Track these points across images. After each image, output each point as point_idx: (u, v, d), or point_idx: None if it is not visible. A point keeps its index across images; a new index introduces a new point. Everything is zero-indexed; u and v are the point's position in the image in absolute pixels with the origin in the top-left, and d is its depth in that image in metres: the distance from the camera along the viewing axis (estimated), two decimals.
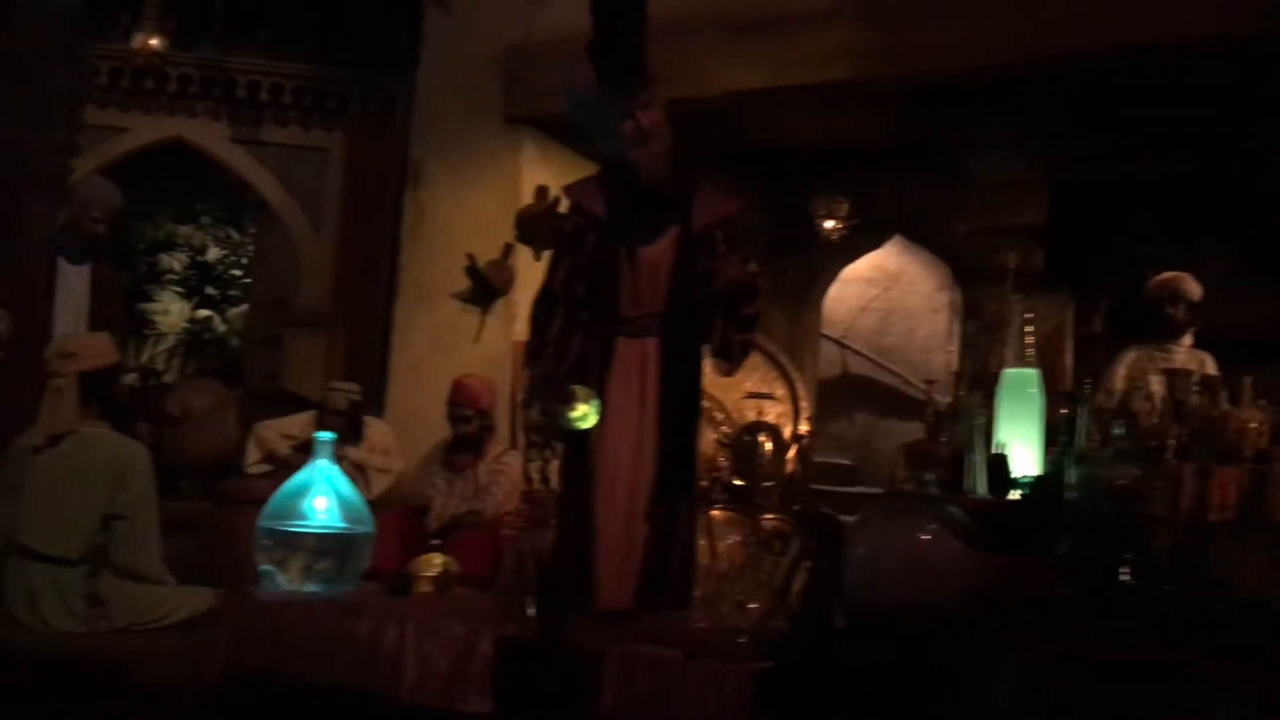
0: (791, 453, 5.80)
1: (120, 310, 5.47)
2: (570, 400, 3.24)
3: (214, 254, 10.14)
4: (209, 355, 9.63)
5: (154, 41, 7.00)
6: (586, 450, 3.41)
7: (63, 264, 5.16)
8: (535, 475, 5.64)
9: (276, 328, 8.63)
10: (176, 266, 9.95)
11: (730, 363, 3.42)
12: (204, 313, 9.99)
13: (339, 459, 5.25)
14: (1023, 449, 3.48)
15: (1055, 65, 4.74)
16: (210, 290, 10.08)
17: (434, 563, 3.35)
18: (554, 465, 5.68)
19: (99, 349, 3.80)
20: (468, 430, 5.11)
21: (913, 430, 6.38)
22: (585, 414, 3.26)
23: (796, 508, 5.54)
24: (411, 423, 5.80)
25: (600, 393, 3.34)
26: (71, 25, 5.35)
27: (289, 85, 7.70)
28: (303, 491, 3.24)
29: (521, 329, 5.85)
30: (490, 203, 5.89)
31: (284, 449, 5.42)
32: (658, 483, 3.38)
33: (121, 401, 4.63)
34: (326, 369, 7.84)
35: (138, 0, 6.97)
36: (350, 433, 5.35)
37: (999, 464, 3.43)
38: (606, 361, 3.40)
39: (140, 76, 7.45)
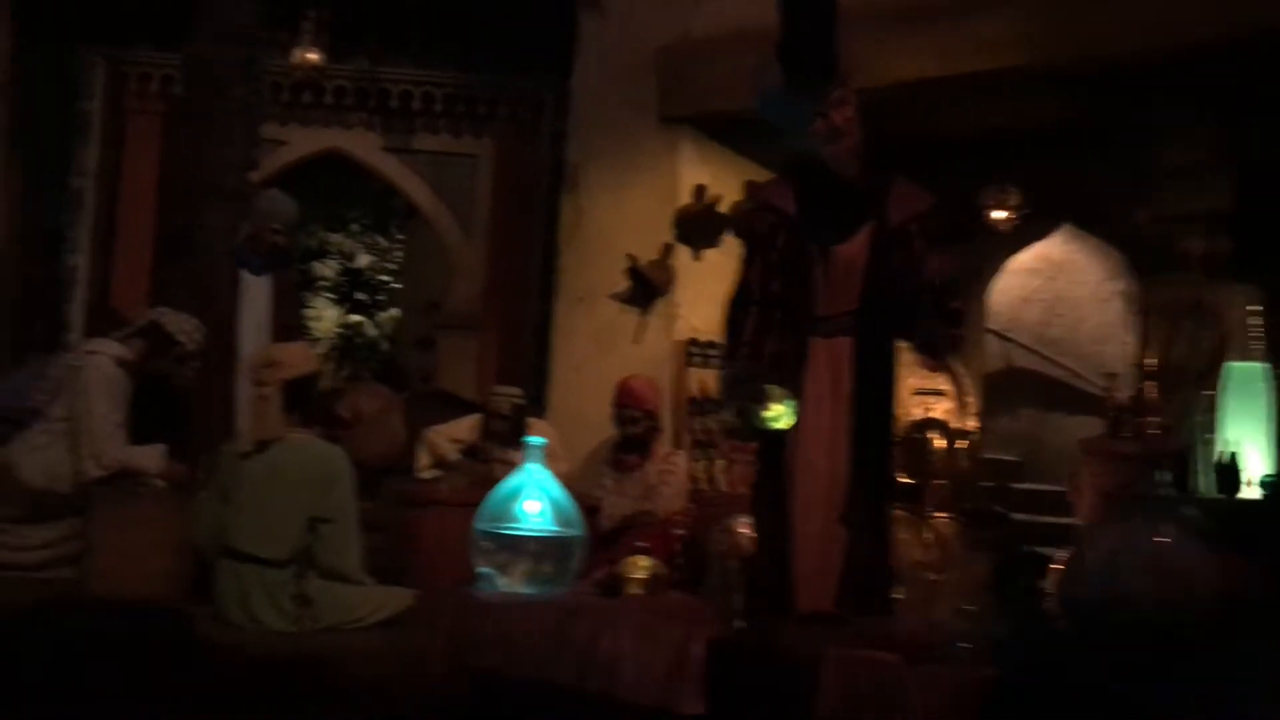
0: (959, 449, 5.67)
1: (301, 319, 5.69)
2: (766, 400, 3.22)
3: (363, 260, 10.43)
4: (360, 359, 9.91)
5: (312, 56, 7.25)
6: (781, 450, 3.38)
7: (245, 275, 5.38)
8: (701, 475, 5.67)
9: (428, 330, 8.85)
10: (328, 273, 10.27)
11: (938, 358, 3.37)
12: (355, 318, 10.28)
13: (504, 463, 5.41)
14: (1250, 446, 3.33)
15: (1240, 43, 4.52)
16: (360, 295, 10.37)
17: (642, 565, 3.38)
18: (719, 465, 5.73)
19: (301, 358, 3.94)
20: (635, 431, 5.14)
21: (1083, 425, 6.17)
22: (781, 413, 3.24)
23: (967, 506, 5.43)
24: (573, 423, 5.85)
25: (794, 393, 3.32)
26: (248, 44, 5.56)
27: (439, 94, 7.89)
28: (515, 495, 3.30)
29: (682, 328, 5.88)
30: (648, 203, 5.91)
31: (453, 454, 5.51)
32: (854, 483, 3.35)
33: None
34: (479, 370, 8.01)
35: (295, 17, 7.23)
36: (514, 436, 5.42)
37: (1230, 463, 3.28)
38: (800, 361, 3.38)
39: (298, 90, 7.71)
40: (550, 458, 5.44)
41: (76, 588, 4.26)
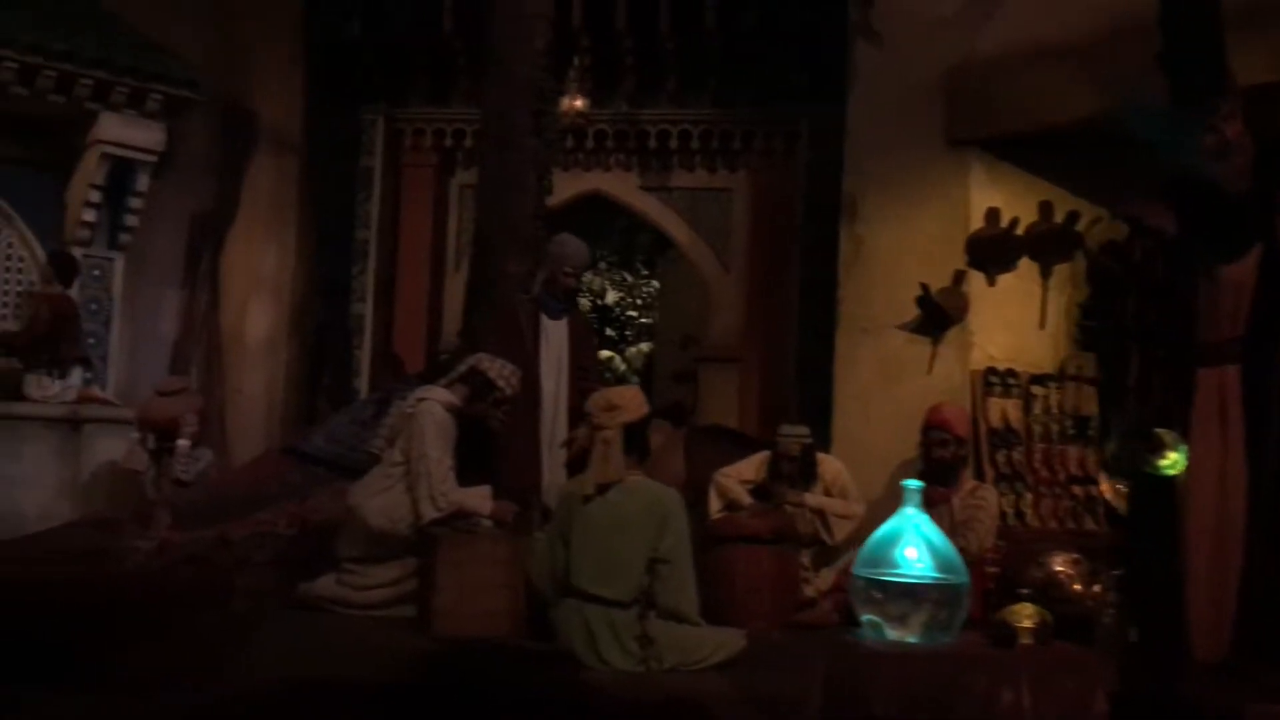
0: None
1: (596, 358, 5.81)
2: (1159, 447, 3.03)
3: (612, 297, 10.63)
4: None
5: (578, 103, 7.43)
6: (1166, 491, 3.17)
7: (543, 318, 5.54)
8: (1009, 509, 5.44)
9: (685, 363, 8.92)
10: None
11: None
12: (605, 353, 10.46)
13: (796, 504, 5.32)
14: None
15: None
16: (609, 331, 10.56)
17: (1028, 613, 3.23)
18: (1027, 499, 5.48)
19: (636, 401, 4.00)
20: (943, 454, 4.99)
21: None
22: (1175, 461, 3.05)
23: None
24: (860, 456, 5.73)
25: (1181, 428, 3.11)
26: (539, 97, 5.74)
27: (696, 131, 7.96)
28: (893, 540, 3.22)
29: (979, 357, 5.68)
30: (935, 229, 5.76)
31: (745, 496, 5.42)
32: (1252, 522, 3.10)
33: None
34: (741, 402, 7.99)
35: (562, 66, 7.44)
36: (803, 476, 5.32)
37: None
38: (1184, 393, 3.17)
39: (561, 136, 7.89)
40: (845, 498, 5.37)
41: (414, 625, 4.46)
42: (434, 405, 4.68)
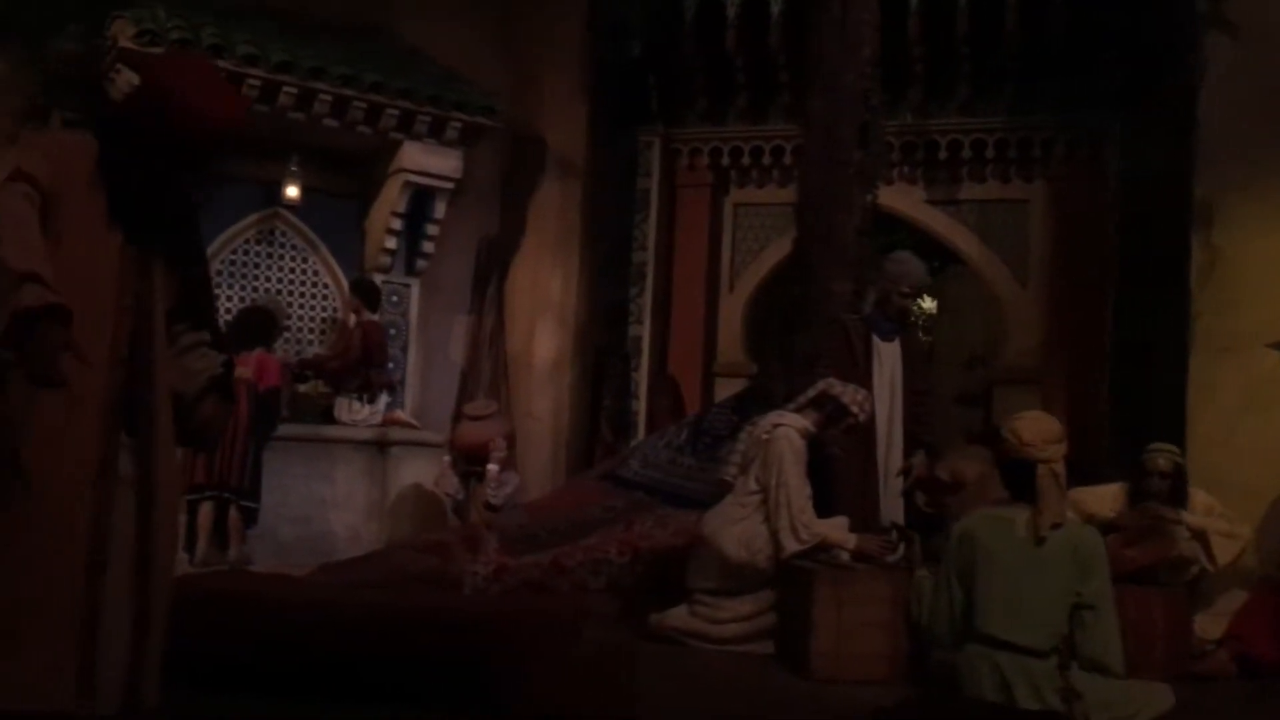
0: None
1: (931, 381, 5.53)
2: None
3: None
4: None
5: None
6: None
7: (874, 339, 5.26)
8: None
9: (972, 385, 8.46)
10: None
11: None
12: None
13: (1174, 523, 4.87)
14: None
15: None
16: None
17: None
18: None
19: (1062, 430, 3.66)
20: None
21: None
22: None
23: None
24: (1221, 489, 5.19)
25: None
26: (867, 111, 5.50)
27: (991, 140, 7.54)
28: None
29: None
30: None
31: (1107, 515, 5.00)
32: None
33: None
34: None
35: None
36: (1174, 496, 4.91)
37: None
38: None
39: (889, 149, 7.53)
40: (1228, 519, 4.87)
41: (779, 665, 4.25)
42: (790, 431, 4.47)
